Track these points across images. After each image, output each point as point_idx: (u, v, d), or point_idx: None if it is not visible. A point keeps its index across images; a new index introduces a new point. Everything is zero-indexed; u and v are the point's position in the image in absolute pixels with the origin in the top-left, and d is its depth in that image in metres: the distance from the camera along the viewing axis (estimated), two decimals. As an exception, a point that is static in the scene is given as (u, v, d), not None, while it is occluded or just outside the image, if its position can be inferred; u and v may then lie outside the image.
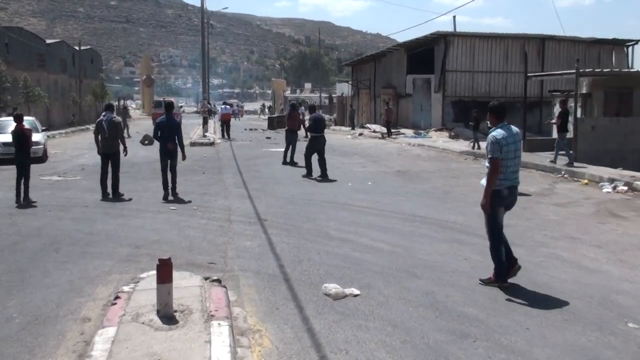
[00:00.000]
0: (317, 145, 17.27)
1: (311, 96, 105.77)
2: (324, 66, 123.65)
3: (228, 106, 39.95)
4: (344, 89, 65.52)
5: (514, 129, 7.06)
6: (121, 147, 13.65)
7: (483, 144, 21.87)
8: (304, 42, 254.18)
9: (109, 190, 13.38)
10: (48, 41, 50.11)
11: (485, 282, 7.13)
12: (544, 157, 21.63)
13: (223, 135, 33.79)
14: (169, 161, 13.47)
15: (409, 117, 41.66)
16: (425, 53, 39.64)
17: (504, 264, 7.06)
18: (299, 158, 19.05)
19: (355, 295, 6.70)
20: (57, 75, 48.29)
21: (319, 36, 76.72)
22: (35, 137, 22.96)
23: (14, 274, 7.52)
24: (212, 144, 28.76)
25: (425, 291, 6.93)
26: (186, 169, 18.61)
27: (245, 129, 44.42)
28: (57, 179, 16.76)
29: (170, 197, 13.11)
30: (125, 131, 32.26)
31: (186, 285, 6.41)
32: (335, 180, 16.27)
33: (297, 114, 21.50)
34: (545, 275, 7.64)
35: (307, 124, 20.77)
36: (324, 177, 16.61)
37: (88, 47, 68.06)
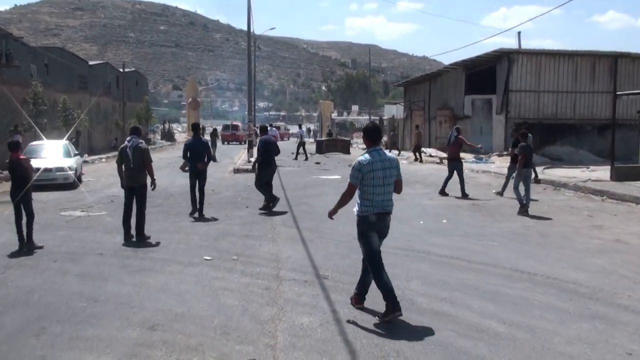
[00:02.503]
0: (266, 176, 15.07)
1: (359, 118, 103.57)
2: (371, 88, 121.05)
3: (274, 129, 38.98)
4: (392, 111, 62.97)
5: (389, 155, 6.75)
6: (149, 179, 11.32)
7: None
8: (350, 65, 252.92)
9: (133, 231, 11.06)
10: (91, 62, 48.91)
11: (381, 318, 6.46)
12: (636, 187, 18.67)
13: None
14: (197, 181, 14.05)
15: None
16: (486, 72, 36.91)
17: (393, 291, 6.47)
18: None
19: None
20: (99, 98, 46.89)
21: (369, 56, 74.41)
22: (66, 162, 21.31)
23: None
24: (257, 170, 26.41)
25: None
26: (228, 201, 16.34)
27: (292, 153, 42.07)
28: (78, 214, 14.49)
29: (196, 215, 13.67)
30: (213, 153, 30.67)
31: None
32: (403, 217, 13.67)
33: (462, 139, 18.49)
34: None
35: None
36: (268, 208, 14.46)
37: (132, 69, 67.07)
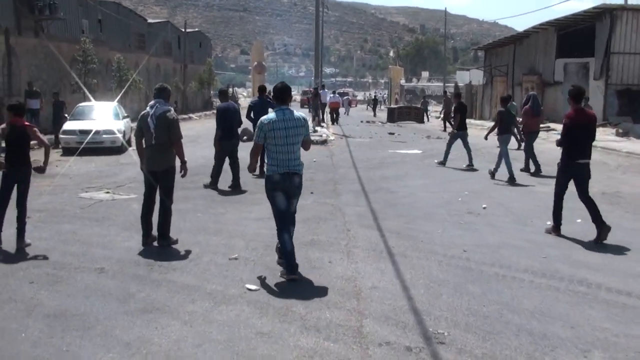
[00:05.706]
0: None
1: (429, 85, 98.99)
2: (442, 54, 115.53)
3: (337, 95, 39.41)
4: (465, 77, 58.61)
5: (297, 114, 6.62)
6: (178, 161, 8.16)
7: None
8: (419, 30, 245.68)
9: (156, 231, 8.00)
10: (150, 20, 46.26)
11: (281, 274, 6.51)
12: None
13: (332, 122, 35.69)
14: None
15: (557, 110, 34.52)
16: (582, 32, 32.52)
17: (291, 255, 6.44)
18: None
19: None
20: (159, 59, 44.30)
21: (445, 20, 69.38)
22: (115, 124, 19.92)
23: None
24: (324, 142, 23.14)
25: None
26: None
27: (362, 122, 38.73)
28: (101, 197, 11.54)
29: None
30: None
31: None
32: (519, 213, 10.19)
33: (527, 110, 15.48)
34: None
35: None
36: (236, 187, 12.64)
37: (196, 29, 64.43)
